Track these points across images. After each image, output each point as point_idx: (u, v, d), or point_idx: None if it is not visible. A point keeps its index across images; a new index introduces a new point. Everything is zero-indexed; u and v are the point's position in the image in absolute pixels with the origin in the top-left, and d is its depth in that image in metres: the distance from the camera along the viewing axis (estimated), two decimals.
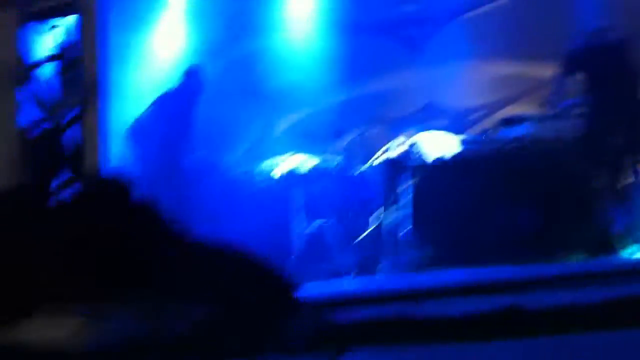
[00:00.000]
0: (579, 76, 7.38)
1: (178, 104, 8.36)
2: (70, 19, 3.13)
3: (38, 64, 3.02)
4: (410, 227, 7.26)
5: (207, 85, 8.53)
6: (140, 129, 8.33)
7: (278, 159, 8.14)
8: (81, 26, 3.20)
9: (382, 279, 6.89)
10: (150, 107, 8.37)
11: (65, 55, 3.04)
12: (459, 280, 5.45)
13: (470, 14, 9.78)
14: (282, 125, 9.45)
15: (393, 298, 4.57)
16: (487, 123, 9.02)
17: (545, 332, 2.91)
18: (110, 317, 2.91)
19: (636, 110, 7.34)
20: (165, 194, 8.13)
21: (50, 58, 3.02)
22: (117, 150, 3.84)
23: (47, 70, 3.06)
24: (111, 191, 3.33)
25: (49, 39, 3.07)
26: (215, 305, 3.28)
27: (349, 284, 6.47)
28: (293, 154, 8.19)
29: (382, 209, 7.50)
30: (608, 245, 6.92)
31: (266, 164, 8.17)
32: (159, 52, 9.36)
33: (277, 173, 8.02)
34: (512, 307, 3.18)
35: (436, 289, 4.92)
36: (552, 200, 7.10)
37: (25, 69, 2.91)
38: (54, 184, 3.03)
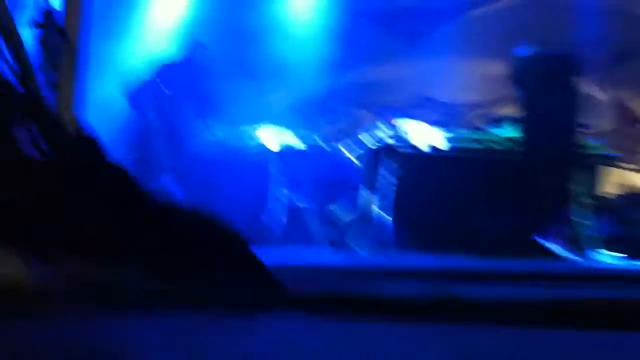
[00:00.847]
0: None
1: (184, 75, 8.38)
2: None
3: (16, 25, 3.00)
4: (386, 211, 7.29)
5: (211, 59, 8.57)
6: (140, 94, 8.35)
7: (268, 134, 8.15)
8: None
9: (339, 255, 6.93)
10: (153, 74, 8.38)
11: (45, 20, 3.03)
12: (414, 263, 5.50)
13: (471, 13, 9.79)
14: (275, 102, 9.47)
15: (336, 273, 4.61)
16: (477, 120, 9.02)
17: (480, 322, 2.94)
18: (63, 264, 2.95)
19: None
20: (159, 158, 8.27)
21: (31, 21, 3.01)
22: (93, 118, 3.83)
23: (25, 33, 3.03)
24: (82, 152, 3.35)
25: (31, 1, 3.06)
26: (177, 264, 3.31)
27: (311, 256, 6.53)
28: (283, 130, 8.22)
29: (361, 191, 7.53)
30: (578, 246, 6.98)
31: (256, 138, 8.19)
32: (155, 22, 9.34)
33: (265, 147, 8.04)
34: (450, 295, 3.21)
35: (392, 269, 4.95)
36: (526, 200, 7.12)
37: (5, 26, 2.90)
38: (25, 142, 3.04)
